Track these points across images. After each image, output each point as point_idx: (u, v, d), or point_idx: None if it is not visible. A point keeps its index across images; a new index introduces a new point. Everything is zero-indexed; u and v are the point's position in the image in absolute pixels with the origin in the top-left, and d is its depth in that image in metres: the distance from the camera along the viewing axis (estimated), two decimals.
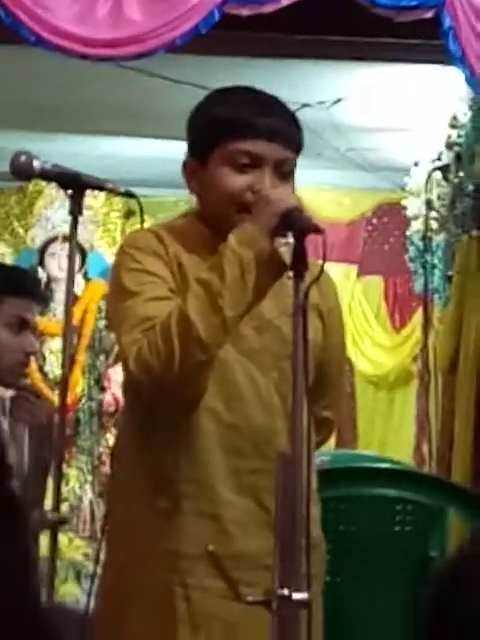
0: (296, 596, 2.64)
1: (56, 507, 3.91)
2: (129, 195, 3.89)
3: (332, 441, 8.21)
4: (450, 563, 1.32)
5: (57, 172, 3.72)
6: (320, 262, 2.84)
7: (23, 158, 3.64)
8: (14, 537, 0.70)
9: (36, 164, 3.65)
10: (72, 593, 7.05)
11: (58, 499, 3.95)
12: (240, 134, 3.11)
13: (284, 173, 3.14)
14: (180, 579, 3.07)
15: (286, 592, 2.63)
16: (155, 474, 3.10)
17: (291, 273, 2.83)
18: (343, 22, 5.17)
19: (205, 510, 3.07)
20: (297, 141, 3.19)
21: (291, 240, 2.89)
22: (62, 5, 4.99)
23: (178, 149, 3.32)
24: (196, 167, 3.21)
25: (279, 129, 3.14)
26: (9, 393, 4.10)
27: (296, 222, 2.90)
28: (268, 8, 5.01)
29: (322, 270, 2.87)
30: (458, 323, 6.58)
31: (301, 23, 5.16)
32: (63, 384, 3.95)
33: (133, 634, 3.10)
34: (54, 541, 3.87)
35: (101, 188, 3.87)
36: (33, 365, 7.52)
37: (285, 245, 2.92)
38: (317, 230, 2.88)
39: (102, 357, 8.33)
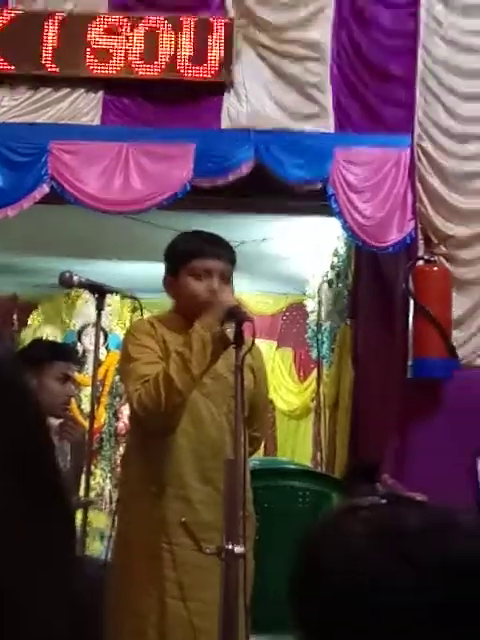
0: (237, 549, 2.62)
1: (86, 494, 3.87)
2: (133, 297, 3.89)
3: (261, 451, 8.19)
4: (310, 533, 1.22)
5: (88, 283, 3.70)
6: (252, 339, 2.87)
7: (67, 274, 3.62)
8: (64, 513, 0.68)
9: (75, 278, 3.63)
10: (97, 549, 6.95)
11: (88, 488, 3.91)
12: (197, 257, 3.13)
13: (226, 279, 3.15)
14: (166, 538, 3.04)
15: (230, 547, 2.61)
16: (148, 471, 3.07)
17: (233, 345, 2.85)
18: (266, 189, 5.17)
19: (180, 494, 3.05)
20: (232, 259, 3.21)
21: (233, 326, 2.91)
22: (91, 179, 4.97)
23: (161, 267, 3.33)
24: (171, 280, 3.22)
25: (221, 252, 3.17)
26: (57, 421, 4.05)
27: (236, 314, 2.92)
28: (221, 182, 5.01)
29: (253, 343, 2.90)
30: (338, 377, 6.58)
31: (240, 190, 5.16)
32: (91, 416, 3.92)
33: (135, 574, 3.06)
34: (85, 516, 3.82)
35: (115, 292, 3.86)
36: (74, 404, 7.48)
37: (229, 329, 2.94)
38: (249, 319, 2.92)
39: (117, 399, 8.28)
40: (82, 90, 5.11)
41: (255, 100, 5.12)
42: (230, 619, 2.62)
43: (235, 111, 5.13)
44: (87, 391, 7.86)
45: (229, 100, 5.13)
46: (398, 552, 1.10)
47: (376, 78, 5.17)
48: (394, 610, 1.08)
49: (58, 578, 0.65)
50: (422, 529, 1.13)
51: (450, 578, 1.09)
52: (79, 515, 3.88)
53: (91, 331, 8.10)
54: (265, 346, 9.02)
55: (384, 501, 1.21)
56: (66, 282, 3.64)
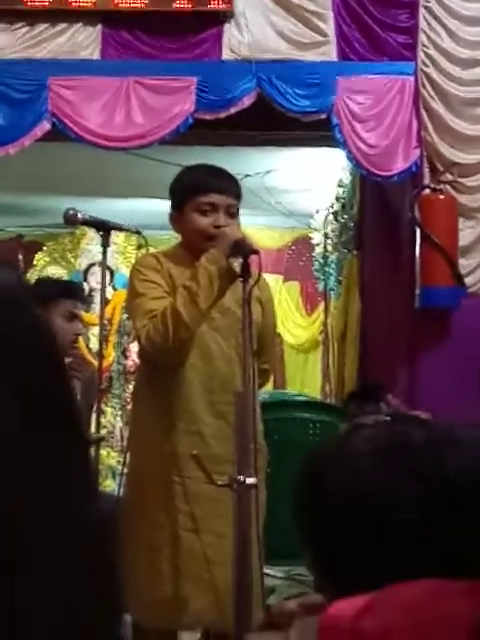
0: (248, 481, 2.64)
1: (97, 431, 3.89)
2: (138, 233, 3.86)
3: (270, 384, 8.23)
4: (314, 454, 1.24)
5: (93, 220, 3.68)
6: (258, 272, 2.86)
7: (71, 212, 3.60)
8: (79, 443, 0.66)
9: (79, 215, 3.61)
10: (110, 486, 7.02)
11: (98, 426, 3.93)
12: (203, 191, 3.09)
13: (232, 214, 3.12)
14: (177, 472, 3.04)
15: (242, 478, 2.63)
16: (159, 406, 3.07)
17: (240, 279, 2.83)
18: (270, 121, 5.14)
19: (191, 428, 3.05)
20: (238, 193, 3.18)
21: (240, 259, 2.89)
22: (92, 115, 4.93)
23: (168, 204, 3.30)
24: (176, 215, 3.18)
25: (226, 187, 3.13)
26: (65, 360, 4.06)
27: (242, 247, 2.90)
28: (223, 114, 4.96)
29: (259, 276, 2.88)
30: (345, 309, 6.58)
31: (244, 123, 5.12)
32: (100, 354, 3.93)
33: (147, 508, 3.08)
34: (97, 452, 3.85)
35: (120, 229, 3.84)
36: (82, 342, 7.49)
37: (236, 262, 2.92)
38: (255, 252, 2.89)
39: (125, 337, 8.29)
40: (80, 24, 5.03)
41: (256, 30, 5.05)
42: (244, 549, 2.65)
43: (236, 42, 5.07)
44: (95, 330, 7.86)
45: (230, 31, 5.06)
46: (402, 468, 1.12)
47: (378, 4, 5.10)
48: (398, 527, 1.09)
49: (73, 510, 0.64)
50: (425, 444, 1.14)
51: (453, 492, 1.10)
52: (91, 452, 3.91)
53: (97, 270, 8.07)
54: (271, 280, 8.96)
55: (388, 419, 1.21)
56: (70, 219, 3.62)
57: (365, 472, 1.13)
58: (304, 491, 1.21)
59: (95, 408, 4.03)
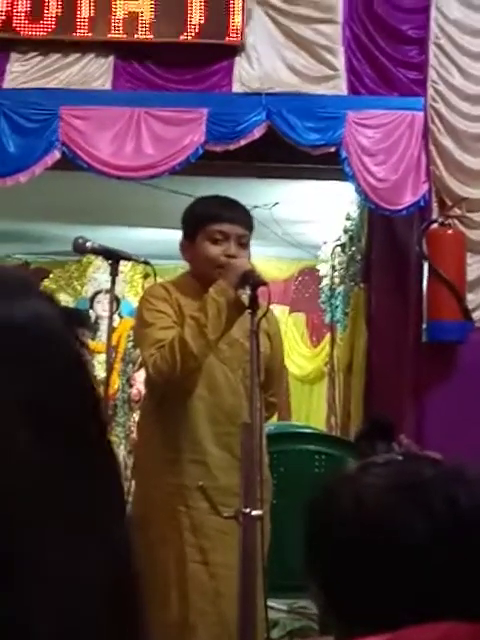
0: (254, 513, 2.65)
1: None
2: (146, 263, 3.87)
3: (275, 417, 8.21)
4: (324, 487, 1.25)
5: (102, 249, 3.70)
6: (267, 304, 2.88)
7: (80, 240, 3.61)
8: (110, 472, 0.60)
9: (88, 244, 3.61)
10: None
11: None
12: (216, 220, 3.12)
13: (243, 244, 3.15)
14: (184, 502, 3.05)
15: (248, 510, 2.63)
16: (165, 437, 3.08)
17: (249, 311, 2.85)
18: (280, 154, 5.16)
19: (197, 459, 3.06)
20: (249, 224, 3.21)
21: (248, 291, 2.91)
22: (103, 145, 4.95)
23: (176, 234, 3.32)
24: (187, 244, 3.21)
25: (239, 217, 3.17)
26: None
27: (250, 279, 2.93)
28: (233, 146, 4.99)
29: (268, 309, 2.91)
30: (351, 341, 6.58)
31: (254, 155, 5.15)
32: (106, 382, 3.93)
33: (153, 538, 3.07)
34: None
35: (129, 259, 3.84)
36: None
37: (245, 294, 2.94)
38: (264, 283, 2.92)
39: (130, 365, 8.28)
40: (92, 55, 5.08)
41: (267, 63, 5.09)
42: (249, 582, 2.64)
43: (247, 74, 5.11)
44: (100, 358, 7.86)
45: (240, 63, 5.10)
46: (414, 504, 1.12)
47: (389, 39, 5.13)
48: (408, 562, 1.09)
49: (99, 547, 0.60)
50: (437, 481, 1.15)
51: (464, 529, 1.11)
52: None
53: (103, 298, 8.08)
54: (278, 311, 8.97)
55: (400, 458, 1.23)
56: (80, 248, 3.63)
57: (376, 506, 1.14)
58: (313, 523, 1.21)
59: None
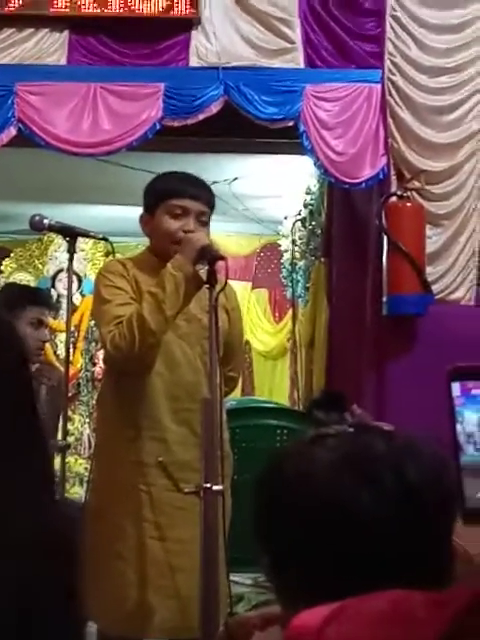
0: (215, 488, 2.64)
1: (64, 438, 3.87)
2: (104, 239, 3.85)
3: (238, 391, 8.22)
4: (274, 459, 1.25)
5: (59, 226, 3.67)
6: (225, 279, 2.86)
7: (37, 218, 3.60)
8: (41, 451, 0.69)
9: (46, 222, 3.60)
10: (77, 493, 7.00)
11: (65, 433, 3.91)
12: (177, 195, 3.10)
13: (202, 222, 3.13)
14: (143, 480, 3.04)
15: (209, 485, 2.63)
16: (124, 414, 3.07)
17: (206, 285, 2.83)
18: (238, 129, 5.13)
19: (156, 435, 3.05)
20: (211, 202, 3.19)
21: (206, 265, 2.89)
22: (60, 121, 4.89)
23: (136, 211, 3.29)
24: (147, 217, 3.19)
25: (200, 194, 3.15)
26: (32, 367, 4.04)
27: (208, 254, 2.91)
28: (190, 121, 4.96)
29: (226, 283, 2.89)
30: (313, 316, 6.58)
31: (212, 130, 5.11)
32: (67, 361, 3.91)
33: (113, 516, 3.06)
34: (63, 460, 3.83)
35: (86, 235, 3.82)
36: (49, 349, 7.47)
37: (202, 268, 2.93)
38: (222, 258, 2.90)
39: (93, 344, 8.26)
40: (47, 30, 5.01)
41: (223, 37, 5.05)
42: (210, 556, 2.64)
43: (204, 48, 5.06)
44: (62, 337, 7.83)
45: (197, 37, 5.06)
46: (363, 477, 1.13)
47: (345, 11, 5.11)
48: (357, 534, 1.10)
49: (32, 517, 0.66)
50: (386, 455, 1.16)
51: (412, 501, 1.12)
52: (57, 459, 3.88)
53: (65, 277, 8.03)
54: (240, 287, 8.99)
55: (351, 430, 1.23)
56: (36, 225, 3.61)
57: (325, 479, 1.14)
58: (262, 494, 1.22)
59: (62, 415, 4.00)
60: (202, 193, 3.17)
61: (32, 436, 0.73)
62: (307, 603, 0.92)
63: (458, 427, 1.09)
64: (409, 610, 0.84)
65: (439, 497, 1.15)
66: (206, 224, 3.15)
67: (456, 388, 1.11)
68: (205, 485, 2.63)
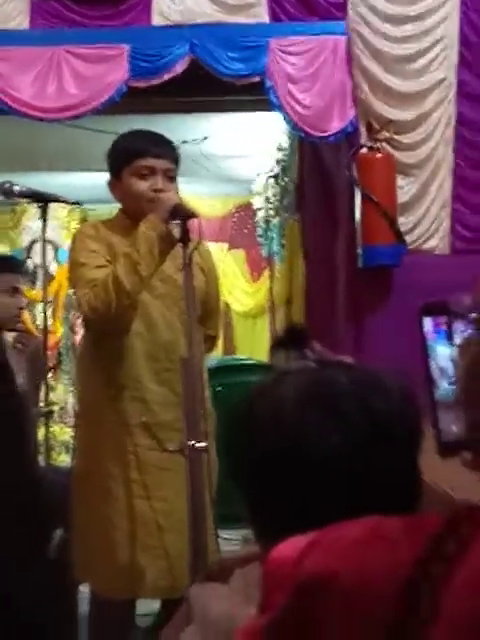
0: (198, 445, 2.64)
1: (46, 404, 3.87)
2: (76, 204, 3.83)
3: (220, 351, 8.24)
4: (244, 399, 1.27)
5: (29, 192, 3.64)
6: (198, 237, 2.84)
7: (7, 185, 3.56)
8: (20, 420, 0.65)
9: (16, 188, 3.57)
10: (64, 460, 7.01)
11: (47, 401, 3.91)
12: (140, 155, 3.07)
13: (170, 177, 3.10)
14: (130, 440, 3.04)
15: (192, 443, 2.63)
16: (104, 375, 3.06)
17: (180, 244, 2.82)
18: (204, 87, 5.09)
19: (137, 396, 3.04)
20: (175, 157, 3.16)
21: (179, 223, 2.88)
22: (24, 86, 4.84)
23: (104, 176, 3.26)
24: (115, 182, 3.16)
25: (163, 151, 3.12)
26: (11, 335, 4.01)
27: (181, 212, 2.89)
28: (156, 81, 4.91)
29: (200, 241, 2.87)
30: (290, 273, 6.57)
31: (178, 90, 5.07)
32: (45, 329, 3.89)
33: (100, 479, 3.06)
34: (47, 426, 3.83)
35: (58, 200, 3.79)
36: (28, 317, 7.44)
37: (175, 227, 2.91)
38: (194, 216, 2.88)
39: (72, 312, 8.24)
40: None
41: None
42: (198, 514, 2.65)
43: (167, 8, 5.01)
44: (40, 307, 7.80)
45: None
46: (327, 411, 1.15)
47: None
48: (325, 467, 1.13)
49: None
50: (350, 387, 1.17)
51: (377, 433, 1.14)
52: (41, 426, 3.88)
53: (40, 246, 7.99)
54: (217, 249, 8.98)
55: (314, 365, 1.24)
56: (6, 193, 3.58)
57: (292, 416, 1.16)
58: (235, 434, 1.24)
59: (44, 383, 3.99)
60: (166, 150, 3.14)
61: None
62: (284, 539, 0.93)
63: (431, 363, 1.08)
64: (386, 535, 0.85)
65: (405, 427, 1.16)
66: (174, 180, 3.13)
67: (428, 323, 1.10)
68: (189, 443, 2.63)
